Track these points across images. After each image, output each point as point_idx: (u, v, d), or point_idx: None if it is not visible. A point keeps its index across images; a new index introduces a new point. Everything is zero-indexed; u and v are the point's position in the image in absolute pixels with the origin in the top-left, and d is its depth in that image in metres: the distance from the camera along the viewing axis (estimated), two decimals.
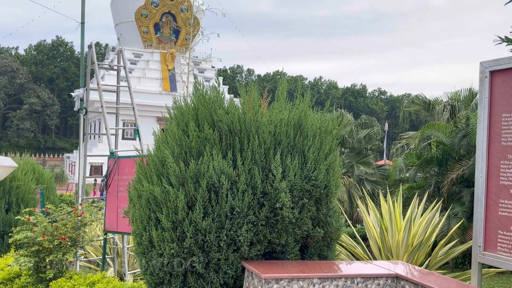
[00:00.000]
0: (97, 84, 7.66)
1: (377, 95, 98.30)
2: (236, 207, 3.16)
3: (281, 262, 3.35)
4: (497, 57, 3.27)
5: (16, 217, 7.48)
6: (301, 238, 3.52)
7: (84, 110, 7.86)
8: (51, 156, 60.22)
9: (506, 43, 6.77)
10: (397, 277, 3.20)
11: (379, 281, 3.16)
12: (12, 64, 66.65)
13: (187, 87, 18.74)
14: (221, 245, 3.19)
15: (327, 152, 3.58)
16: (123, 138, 8.02)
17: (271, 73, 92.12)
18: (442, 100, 14.23)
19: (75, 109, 44.92)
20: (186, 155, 3.40)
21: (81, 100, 7.91)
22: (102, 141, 39.72)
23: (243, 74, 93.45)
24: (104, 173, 6.24)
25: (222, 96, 3.80)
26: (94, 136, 43.77)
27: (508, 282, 6.84)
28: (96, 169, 37.21)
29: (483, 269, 3.69)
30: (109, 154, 6.12)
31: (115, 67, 8.07)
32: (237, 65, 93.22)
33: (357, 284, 3.08)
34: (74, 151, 48.07)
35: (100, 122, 41.79)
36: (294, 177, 3.28)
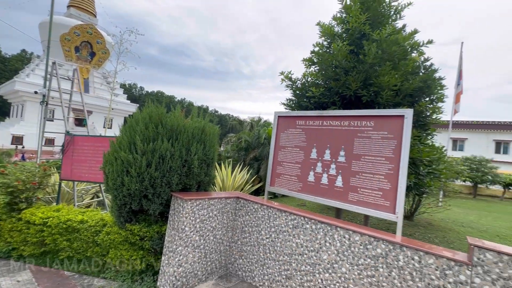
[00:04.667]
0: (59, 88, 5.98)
1: (217, 113, 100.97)
2: (172, 166, 3.40)
3: (189, 193, 3.58)
4: (278, 110, 4.65)
5: None
6: (198, 182, 3.74)
7: (45, 102, 5.79)
8: None
9: (283, 105, 9.07)
10: (237, 197, 3.90)
11: (231, 199, 3.82)
12: None
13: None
14: (163, 184, 3.39)
15: (214, 143, 3.87)
16: (47, 120, 5.81)
17: (155, 91, 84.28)
18: (247, 120, 16.48)
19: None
20: (146, 139, 3.42)
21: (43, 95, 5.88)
22: (24, 120, 29.02)
23: (137, 89, 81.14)
24: (60, 143, 5.11)
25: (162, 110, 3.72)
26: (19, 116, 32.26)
27: (279, 200, 9.12)
28: (17, 139, 27.23)
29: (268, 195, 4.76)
30: (65, 132, 5.01)
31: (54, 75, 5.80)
32: (134, 82, 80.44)
33: (221, 200, 3.67)
34: None
35: (23, 106, 30.62)
36: (200, 154, 3.63)
